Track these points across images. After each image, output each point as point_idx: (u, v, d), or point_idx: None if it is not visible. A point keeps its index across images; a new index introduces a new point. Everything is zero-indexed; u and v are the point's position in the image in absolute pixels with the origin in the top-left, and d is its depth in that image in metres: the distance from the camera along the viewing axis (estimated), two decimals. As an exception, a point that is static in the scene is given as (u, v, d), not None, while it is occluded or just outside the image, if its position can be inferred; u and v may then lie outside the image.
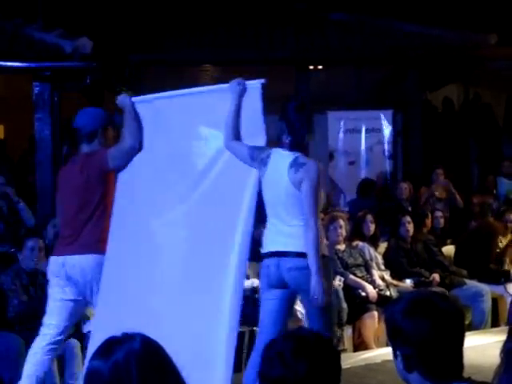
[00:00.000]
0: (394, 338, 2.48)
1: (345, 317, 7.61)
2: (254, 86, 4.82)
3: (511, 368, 2.76)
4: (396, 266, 8.69)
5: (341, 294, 7.58)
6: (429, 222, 9.36)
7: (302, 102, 4.82)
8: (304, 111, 4.69)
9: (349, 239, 8.38)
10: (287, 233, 4.63)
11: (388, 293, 7.94)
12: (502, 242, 9.24)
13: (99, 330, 4.64)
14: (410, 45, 11.13)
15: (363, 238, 8.59)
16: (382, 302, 7.70)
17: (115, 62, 10.94)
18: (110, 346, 2.05)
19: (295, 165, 4.58)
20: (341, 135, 11.58)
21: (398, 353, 2.46)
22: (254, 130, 4.76)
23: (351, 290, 7.88)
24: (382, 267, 8.61)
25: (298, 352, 2.14)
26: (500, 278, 8.85)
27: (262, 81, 4.83)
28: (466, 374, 2.64)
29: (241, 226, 4.69)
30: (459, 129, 13.48)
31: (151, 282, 4.80)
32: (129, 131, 4.93)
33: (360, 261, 8.26)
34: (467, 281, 8.73)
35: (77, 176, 5.00)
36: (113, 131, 5.19)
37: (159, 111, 5.01)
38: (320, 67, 12.23)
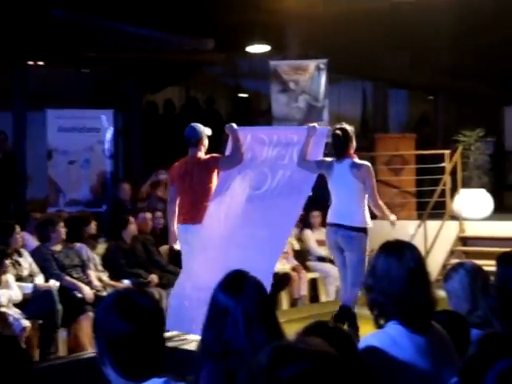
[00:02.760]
0: (94, 333, 2.51)
1: (59, 319, 7.44)
2: (323, 130, 7.47)
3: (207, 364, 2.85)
4: (115, 266, 8.68)
5: (55, 296, 7.42)
6: (149, 222, 9.47)
7: (336, 132, 7.16)
8: (343, 136, 7.13)
9: (66, 240, 8.23)
10: (343, 212, 7.07)
11: (105, 294, 7.87)
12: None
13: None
14: (129, 46, 11.15)
15: (81, 239, 8.49)
16: (99, 303, 7.61)
17: None
18: None
19: (355, 166, 7.06)
20: (60, 134, 11.31)
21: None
22: (313, 157, 7.30)
23: (67, 291, 7.74)
24: (100, 268, 8.56)
25: None
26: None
27: (329, 128, 7.56)
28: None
29: (296, 207, 7.28)
30: (179, 131, 13.73)
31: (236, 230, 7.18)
32: (236, 150, 7.33)
33: (77, 261, 8.17)
34: (183, 279, 8.90)
35: (193, 171, 7.30)
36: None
37: (255, 136, 7.53)
38: (40, 63, 11.90)
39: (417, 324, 3.17)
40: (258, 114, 14.51)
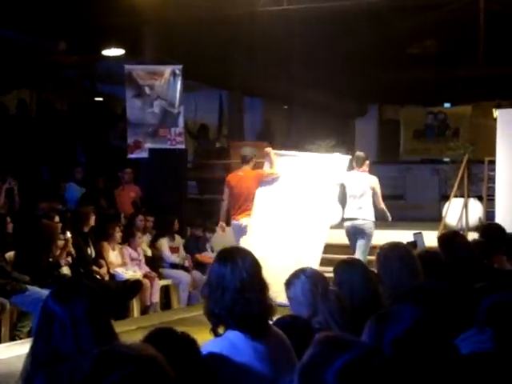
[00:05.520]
0: None
1: None
2: (345, 158, 10.27)
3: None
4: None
5: None
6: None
7: (357, 153, 10.25)
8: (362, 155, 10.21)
9: None
10: (357, 209, 9.90)
11: None
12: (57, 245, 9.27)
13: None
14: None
15: None
16: None
17: None
18: None
19: (367, 178, 9.99)
20: None
21: None
22: (337, 174, 10.15)
23: None
24: None
25: None
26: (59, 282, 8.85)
27: (350, 157, 10.27)
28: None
29: (326, 208, 10.18)
30: (33, 133, 13.36)
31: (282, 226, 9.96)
32: (275, 168, 10.07)
33: None
34: (29, 287, 8.57)
35: (248, 181, 10.03)
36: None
37: (289, 159, 10.26)
38: None
39: (254, 330, 3.19)
40: (113, 118, 14.31)
